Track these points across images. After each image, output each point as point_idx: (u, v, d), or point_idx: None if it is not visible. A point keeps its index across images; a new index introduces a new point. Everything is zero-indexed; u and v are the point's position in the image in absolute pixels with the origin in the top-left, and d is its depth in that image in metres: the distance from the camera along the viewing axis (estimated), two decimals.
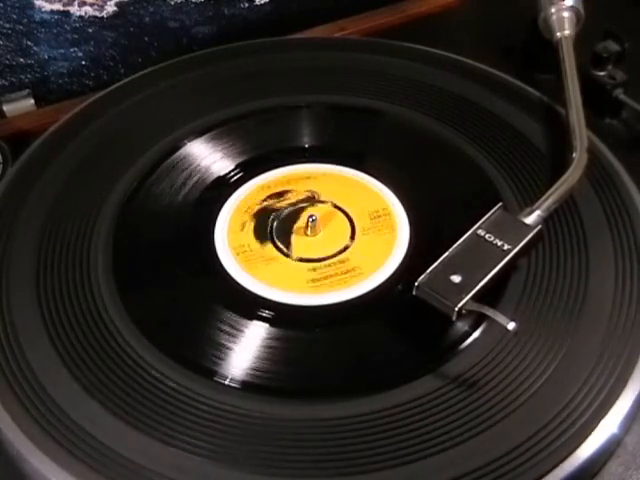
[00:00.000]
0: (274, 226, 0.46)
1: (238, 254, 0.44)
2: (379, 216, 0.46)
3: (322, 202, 0.47)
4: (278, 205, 0.47)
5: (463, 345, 0.39)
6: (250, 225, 0.46)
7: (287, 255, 0.44)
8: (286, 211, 0.46)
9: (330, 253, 0.44)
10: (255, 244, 0.45)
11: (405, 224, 0.46)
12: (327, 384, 0.38)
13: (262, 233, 0.45)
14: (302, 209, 0.47)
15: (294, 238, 0.45)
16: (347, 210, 0.47)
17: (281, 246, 0.45)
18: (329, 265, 0.44)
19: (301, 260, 0.44)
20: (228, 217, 0.46)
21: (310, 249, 0.45)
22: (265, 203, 0.47)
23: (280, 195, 0.47)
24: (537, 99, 0.53)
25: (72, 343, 0.39)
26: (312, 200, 0.47)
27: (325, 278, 0.43)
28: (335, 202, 0.47)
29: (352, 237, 0.45)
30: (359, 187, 0.48)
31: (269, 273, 0.43)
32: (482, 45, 0.62)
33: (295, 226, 0.46)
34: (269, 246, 0.45)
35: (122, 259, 0.44)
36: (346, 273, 0.43)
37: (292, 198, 0.47)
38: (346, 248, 0.45)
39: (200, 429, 0.36)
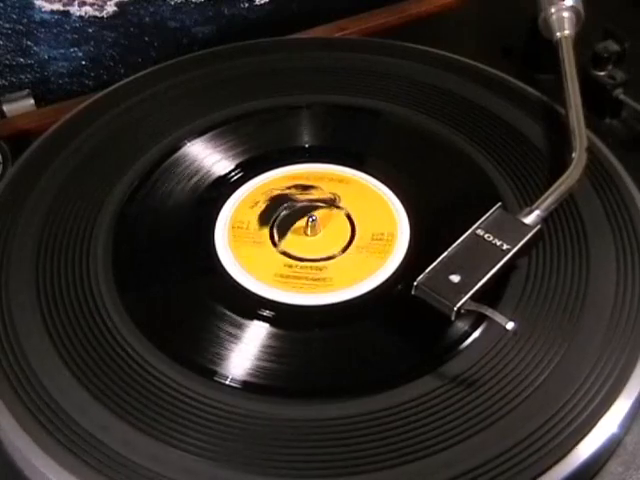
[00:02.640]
0: (280, 215, 0.46)
1: (233, 227, 0.45)
2: (381, 239, 0.45)
3: (339, 208, 0.47)
4: (298, 197, 0.47)
5: (463, 345, 0.39)
6: (261, 206, 0.46)
7: (274, 245, 0.45)
8: (299, 205, 0.47)
9: (313, 257, 0.44)
10: (254, 225, 0.45)
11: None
12: (327, 384, 0.38)
13: (267, 217, 0.46)
14: (316, 208, 0.47)
15: (291, 232, 0.45)
16: (355, 223, 0.46)
17: (275, 235, 0.45)
18: (304, 267, 0.44)
19: (284, 254, 0.44)
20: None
21: (299, 247, 0.45)
22: (288, 191, 0.47)
23: (305, 188, 0.48)
24: (537, 99, 0.53)
25: (72, 343, 0.39)
26: (331, 202, 0.47)
27: (294, 278, 0.43)
28: (349, 213, 0.46)
29: (344, 249, 0.45)
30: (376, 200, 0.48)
31: (247, 254, 0.44)
32: (482, 45, 0.62)
33: (297, 222, 0.46)
34: (264, 231, 0.45)
35: (122, 259, 0.44)
36: (316, 280, 0.43)
37: (315, 194, 0.47)
38: (330, 258, 0.44)
39: (199, 429, 0.36)
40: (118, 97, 0.54)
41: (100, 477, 0.34)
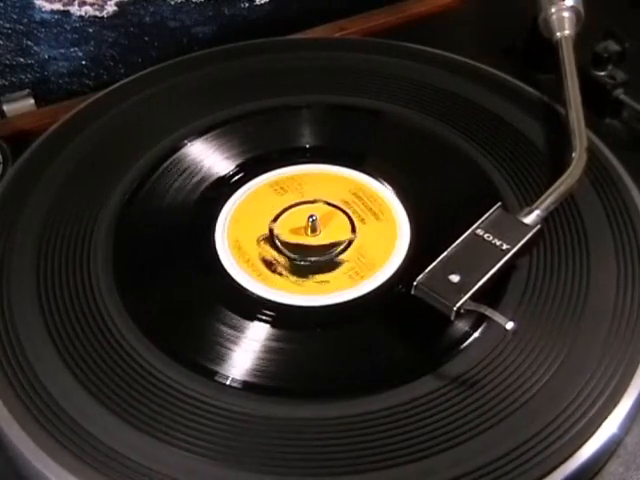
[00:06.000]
0: (301, 261, 0.44)
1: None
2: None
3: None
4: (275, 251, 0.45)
5: (463, 345, 0.39)
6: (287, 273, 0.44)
7: (340, 264, 0.44)
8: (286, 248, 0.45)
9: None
10: (322, 277, 0.43)
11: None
12: (327, 384, 0.38)
13: (300, 270, 0.44)
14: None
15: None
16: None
17: (328, 263, 0.44)
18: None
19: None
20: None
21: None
22: (269, 256, 0.44)
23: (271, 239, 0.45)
24: (537, 99, 0.53)
25: (73, 343, 0.39)
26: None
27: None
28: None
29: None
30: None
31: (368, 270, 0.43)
32: (482, 45, 0.62)
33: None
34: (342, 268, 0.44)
35: (122, 259, 0.44)
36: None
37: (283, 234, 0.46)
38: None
39: (200, 429, 0.36)
40: (118, 97, 0.54)
41: (95, 475, 0.34)
